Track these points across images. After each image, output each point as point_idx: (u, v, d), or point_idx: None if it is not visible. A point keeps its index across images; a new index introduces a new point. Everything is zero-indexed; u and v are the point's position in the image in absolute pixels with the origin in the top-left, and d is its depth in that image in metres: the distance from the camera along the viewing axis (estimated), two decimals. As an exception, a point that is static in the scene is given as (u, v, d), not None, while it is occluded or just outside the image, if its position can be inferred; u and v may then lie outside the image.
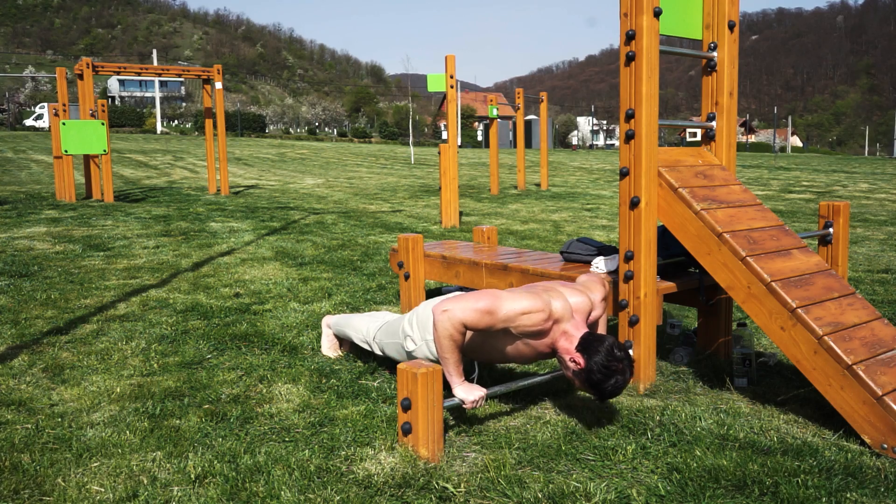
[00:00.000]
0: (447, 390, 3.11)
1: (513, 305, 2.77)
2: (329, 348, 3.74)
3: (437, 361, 3.09)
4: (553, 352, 2.89)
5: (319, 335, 4.02)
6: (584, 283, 3.13)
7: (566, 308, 2.85)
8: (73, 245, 7.02)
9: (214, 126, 12.95)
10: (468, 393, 2.72)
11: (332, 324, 3.74)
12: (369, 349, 3.48)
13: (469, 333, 2.82)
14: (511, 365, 3.58)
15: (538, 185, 16.41)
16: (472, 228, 5.20)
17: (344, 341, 3.78)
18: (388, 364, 3.55)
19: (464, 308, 2.73)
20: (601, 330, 3.13)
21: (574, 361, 2.77)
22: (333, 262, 6.34)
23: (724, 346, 3.66)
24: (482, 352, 2.94)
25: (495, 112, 14.77)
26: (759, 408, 3.04)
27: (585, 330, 2.86)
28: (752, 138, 78.13)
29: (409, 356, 3.19)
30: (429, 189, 15.33)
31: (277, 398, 3.12)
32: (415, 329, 3.13)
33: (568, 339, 2.82)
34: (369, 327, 3.47)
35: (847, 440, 2.70)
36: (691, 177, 3.31)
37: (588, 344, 2.75)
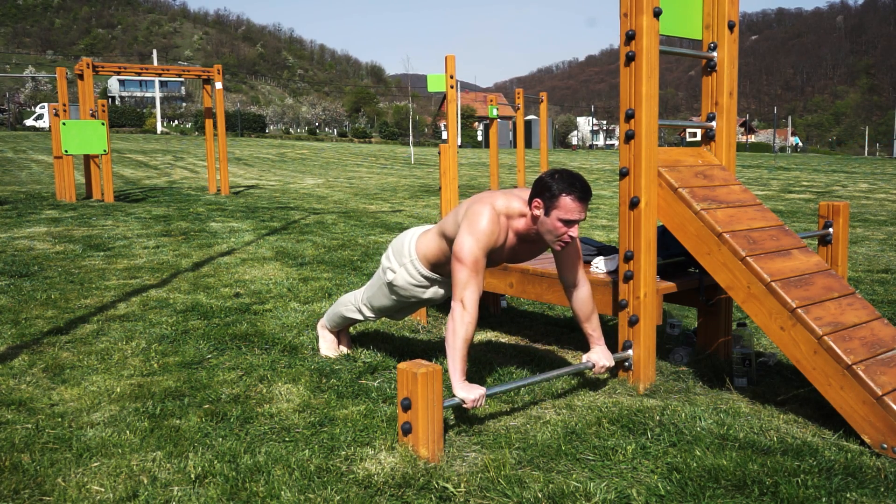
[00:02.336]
0: (447, 390, 3.11)
1: (479, 239, 2.79)
2: (328, 349, 3.74)
3: (418, 284, 3.20)
4: (522, 240, 2.96)
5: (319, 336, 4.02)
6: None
7: (508, 200, 2.91)
8: (73, 245, 7.02)
9: (214, 126, 12.95)
10: (468, 392, 2.72)
11: (326, 319, 3.75)
12: (363, 317, 3.54)
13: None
14: (511, 365, 3.58)
15: (538, 185, 16.37)
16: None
17: (343, 337, 3.78)
18: (388, 364, 3.56)
19: (468, 288, 2.76)
20: (573, 266, 3.10)
21: (537, 209, 2.84)
22: (333, 262, 6.34)
23: (724, 346, 3.66)
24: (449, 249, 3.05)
25: (495, 112, 14.77)
26: (759, 408, 3.04)
27: None
28: (752, 138, 78.12)
29: (392, 289, 3.26)
30: (429, 189, 15.33)
31: (277, 398, 3.13)
32: (392, 259, 3.24)
33: (522, 217, 2.90)
34: (356, 295, 3.56)
35: (847, 440, 2.70)
36: (691, 177, 3.31)
37: (531, 191, 2.87)
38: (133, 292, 5.09)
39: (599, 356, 3.12)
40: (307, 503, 2.24)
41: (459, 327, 2.74)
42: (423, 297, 3.28)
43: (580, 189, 2.80)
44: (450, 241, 3.01)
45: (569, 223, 2.82)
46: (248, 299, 4.93)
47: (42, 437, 2.70)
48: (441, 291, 3.28)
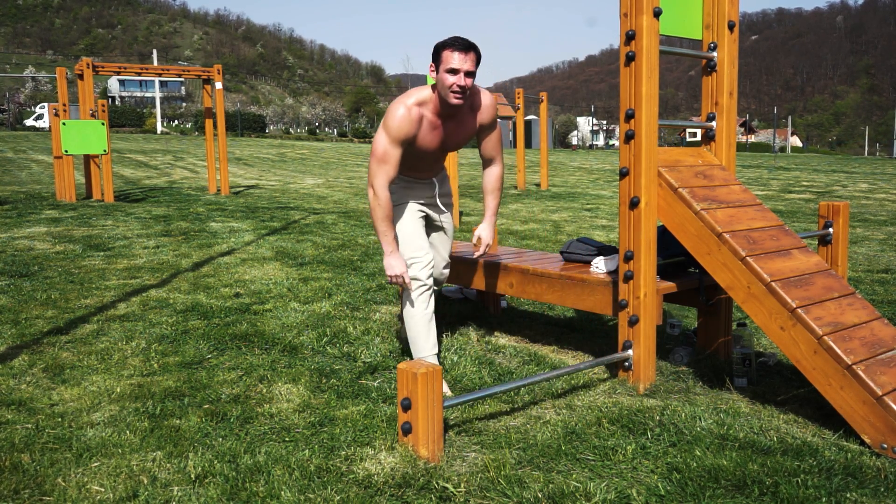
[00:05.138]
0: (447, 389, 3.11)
1: (389, 133, 3.08)
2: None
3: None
4: (443, 118, 3.17)
5: (319, 335, 4.02)
6: None
7: (420, 91, 3.16)
8: (73, 245, 7.02)
9: (214, 126, 12.95)
10: (392, 267, 3.07)
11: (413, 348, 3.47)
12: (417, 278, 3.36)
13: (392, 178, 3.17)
14: (510, 364, 3.58)
15: (538, 185, 16.41)
16: (472, 228, 5.21)
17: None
18: (388, 364, 3.56)
19: (377, 176, 3.09)
20: (491, 148, 3.42)
21: (433, 72, 3.10)
22: (333, 262, 6.34)
23: (724, 346, 3.66)
24: (411, 164, 3.29)
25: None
26: (759, 408, 3.04)
27: None
28: (752, 138, 78.15)
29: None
30: (429, 189, 15.30)
31: (277, 398, 3.13)
32: None
33: (432, 97, 3.13)
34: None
35: (847, 440, 2.70)
36: (691, 177, 3.31)
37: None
38: (133, 292, 5.09)
39: (483, 230, 3.46)
40: (307, 503, 2.24)
41: (376, 209, 3.11)
42: (397, 199, 3.34)
43: (459, 43, 3.07)
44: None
45: (453, 72, 3.04)
46: (248, 299, 4.93)
47: (42, 437, 2.70)
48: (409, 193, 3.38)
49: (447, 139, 3.24)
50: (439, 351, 3.76)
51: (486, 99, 3.27)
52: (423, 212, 3.43)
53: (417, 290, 3.21)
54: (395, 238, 3.16)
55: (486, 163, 3.48)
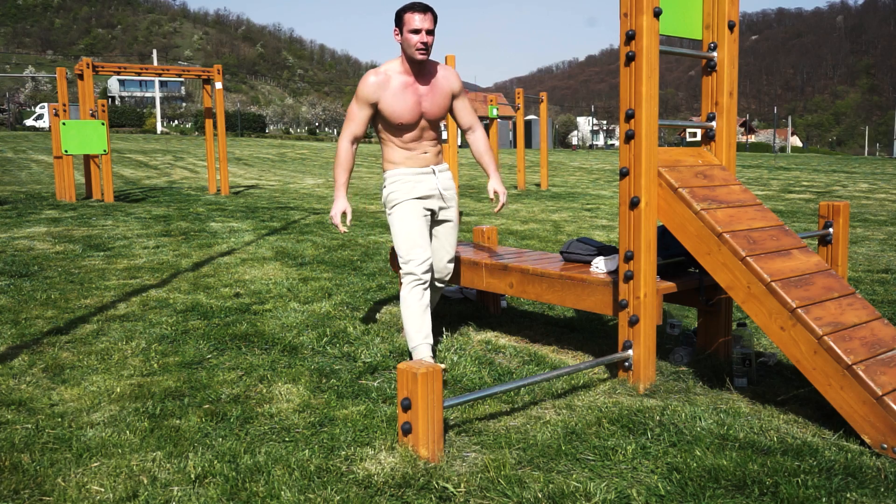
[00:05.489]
0: (447, 390, 3.12)
1: (357, 97, 3.42)
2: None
3: (386, 184, 3.58)
4: (415, 76, 3.42)
5: (319, 335, 4.02)
6: None
7: (388, 62, 3.47)
8: (73, 245, 7.02)
9: (214, 126, 12.95)
10: (336, 207, 3.45)
11: (408, 339, 3.58)
12: (404, 270, 3.50)
13: (355, 138, 3.51)
14: (510, 364, 3.58)
15: (538, 185, 16.40)
16: (472, 228, 5.21)
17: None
18: (388, 364, 3.56)
19: (343, 133, 3.47)
20: (466, 115, 3.67)
21: (397, 36, 3.37)
22: (333, 262, 6.34)
23: (724, 346, 3.66)
24: (388, 133, 3.52)
25: (495, 112, 14.77)
26: (759, 408, 3.04)
27: None
28: (752, 138, 78.17)
29: (392, 209, 3.55)
30: (429, 189, 15.29)
31: (277, 398, 3.13)
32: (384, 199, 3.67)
33: (401, 62, 3.42)
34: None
35: (847, 440, 2.70)
36: (691, 177, 3.31)
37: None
38: (133, 292, 5.09)
39: (496, 185, 3.64)
40: (307, 503, 2.24)
41: (335, 159, 3.53)
42: (400, 197, 3.51)
43: (418, 6, 3.34)
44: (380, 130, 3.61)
45: (415, 32, 3.31)
46: (248, 299, 4.93)
47: (42, 437, 2.70)
48: (404, 189, 3.52)
49: (425, 102, 3.44)
50: (437, 346, 3.76)
51: (448, 68, 3.56)
52: (428, 209, 3.56)
53: (411, 284, 3.44)
54: (345, 185, 3.54)
55: (468, 131, 3.73)
